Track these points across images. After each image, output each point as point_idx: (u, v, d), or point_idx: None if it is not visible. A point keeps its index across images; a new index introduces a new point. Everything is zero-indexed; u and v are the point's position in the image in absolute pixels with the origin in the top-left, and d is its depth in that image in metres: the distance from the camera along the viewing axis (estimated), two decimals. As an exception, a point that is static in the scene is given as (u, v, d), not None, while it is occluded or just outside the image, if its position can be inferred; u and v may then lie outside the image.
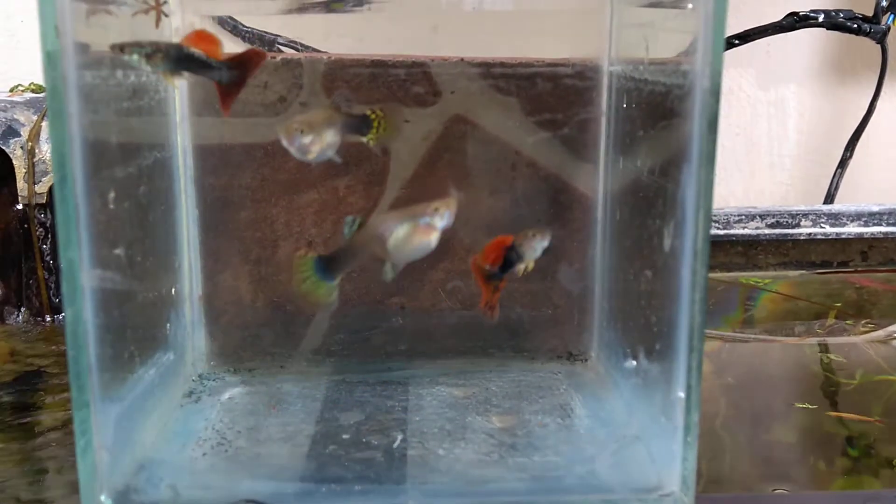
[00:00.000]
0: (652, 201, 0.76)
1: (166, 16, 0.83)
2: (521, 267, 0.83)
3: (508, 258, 0.82)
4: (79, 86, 0.64)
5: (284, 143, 0.79)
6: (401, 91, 0.92)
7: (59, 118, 0.62)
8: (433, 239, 0.80)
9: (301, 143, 0.78)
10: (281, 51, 1.31)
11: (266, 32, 1.33)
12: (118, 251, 0.72)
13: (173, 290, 0.89)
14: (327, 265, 0.83)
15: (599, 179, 0.93)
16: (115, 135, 0.72)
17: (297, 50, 1.27)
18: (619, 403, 0.86)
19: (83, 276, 0.64)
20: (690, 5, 0.66)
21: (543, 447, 0.79)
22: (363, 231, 0.81)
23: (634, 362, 0.82)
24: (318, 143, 0.79)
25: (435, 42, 0.92)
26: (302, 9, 0.91)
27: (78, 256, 0.64)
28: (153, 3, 0.78)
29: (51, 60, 0.62)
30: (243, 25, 1.33)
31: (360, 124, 0.83)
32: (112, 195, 0.71)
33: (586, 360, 0.98)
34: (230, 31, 1.32)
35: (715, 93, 0.63)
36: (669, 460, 0.70)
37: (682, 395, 0.69)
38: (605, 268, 0.94)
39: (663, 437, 0.72)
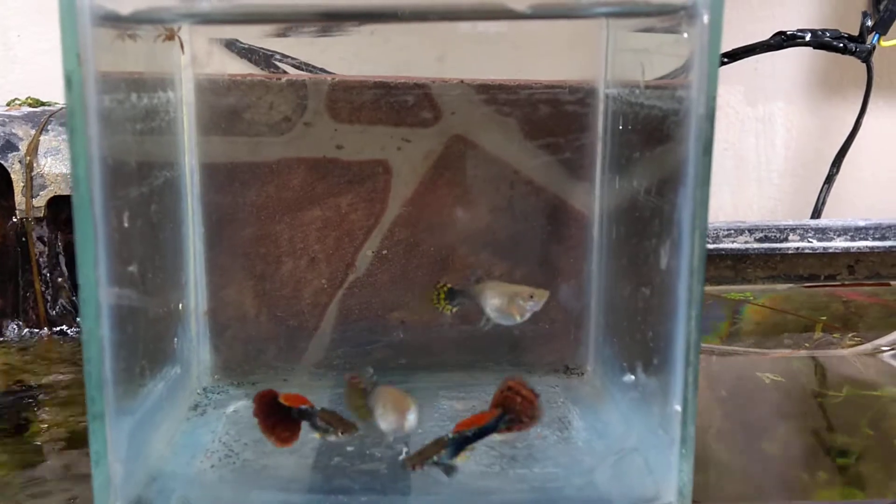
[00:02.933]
0: (648, 221, 0.78)
1: (170, 39, 0.85)
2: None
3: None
4: (98, 109, 0.66)
5: None
6: (402, 111, 0.95)
7: (78, 141, 0.64)
8: (519, 318, 0.88)
9: None
10: (281, 70, 1.33)
11: (264, 49, 1.35)
12: (132, 268, 0.74)
13: (180, 305, 0.91)
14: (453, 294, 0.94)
15: (595, 198, 0.96)
16: (130, 156, 0.74)
17: (299, 68, 1.29)
18: (616, 416, 0.89)
19: (101, 294, 0.66)
20: (686, 34, 0.69)
21: (543, 459, 0.81)
22: (479, 287, 0.92)
23: (633, 377, 0.84)
24: None
25: (435, 64, 0.95)
26: (301, 31, 0.93)
27: (96, 274, 0.66)
28: (169, 31, 0.81)
29: (71, 86, 0.64)
30: (241, 43, 1.35)
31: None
32: (127, 214, 0.73)
33: (583, 374, 1.00)
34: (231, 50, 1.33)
35: (710, 118, 0.66)
36: (666, 471, 0.73)
37: (678, 408, 0.71)
38: (601, 284, 0.97)
39: (660, 449, 0.74)
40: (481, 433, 0.78)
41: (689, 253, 0.69)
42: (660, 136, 0.75)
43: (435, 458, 0.76)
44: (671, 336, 0.71)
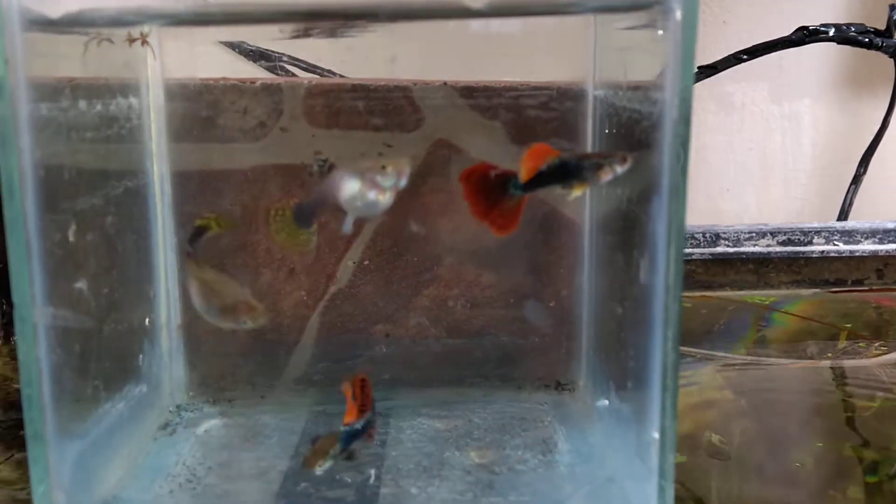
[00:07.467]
0: (630, 231, 0.73)
1: (139, 44, 0.82)
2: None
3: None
4: (32, 118, 0.62)
5: None
6: (383, 115, 0.90)
7: (9, 151, 0.61)
8: (382, 198, 0.74)
9: None
10: (284, 71, 1.30)
11: (270, 51, 1.31)
12: (79, 285, 0.71)
13: (147, 320, 0.88)
14: (301, 214, 0.79)
15: (586, 205, 0.90)
16: (75, 166, 0.71)
17: (303, 69, 1.25)
18: (603, 438, 0.83)
19: (36, 314, 0.63)
20: (661, 31, 0.63)
21: (520, 486, 0.76)
22: (326, 181, 0.77)
23: (607, 402, 0.79)
24: None
25: (418, 66, 0.90)
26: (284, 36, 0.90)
27: (30, 293, 0.62)
28: (138, 35, 0.78)
29: (0, 93, 0.60)
30: (247, 44, 1.31)
31: None
32: (73, 228, 0.69)
33: (574, 390, 0.95)
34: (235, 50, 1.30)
35: (684, 121, 0.61)
36: (644, 502, 0.68)
37: (656, 435, 0.66)
38: (592, 295, 0.91)
39: (639, 479, 0.69)
40: (369, 422, 0.76)
41: (665, 268, 0.63)
42: (637, 141, 0.70)
43: (331, 451, 0.74)
44: (648, 357, 0.66)
